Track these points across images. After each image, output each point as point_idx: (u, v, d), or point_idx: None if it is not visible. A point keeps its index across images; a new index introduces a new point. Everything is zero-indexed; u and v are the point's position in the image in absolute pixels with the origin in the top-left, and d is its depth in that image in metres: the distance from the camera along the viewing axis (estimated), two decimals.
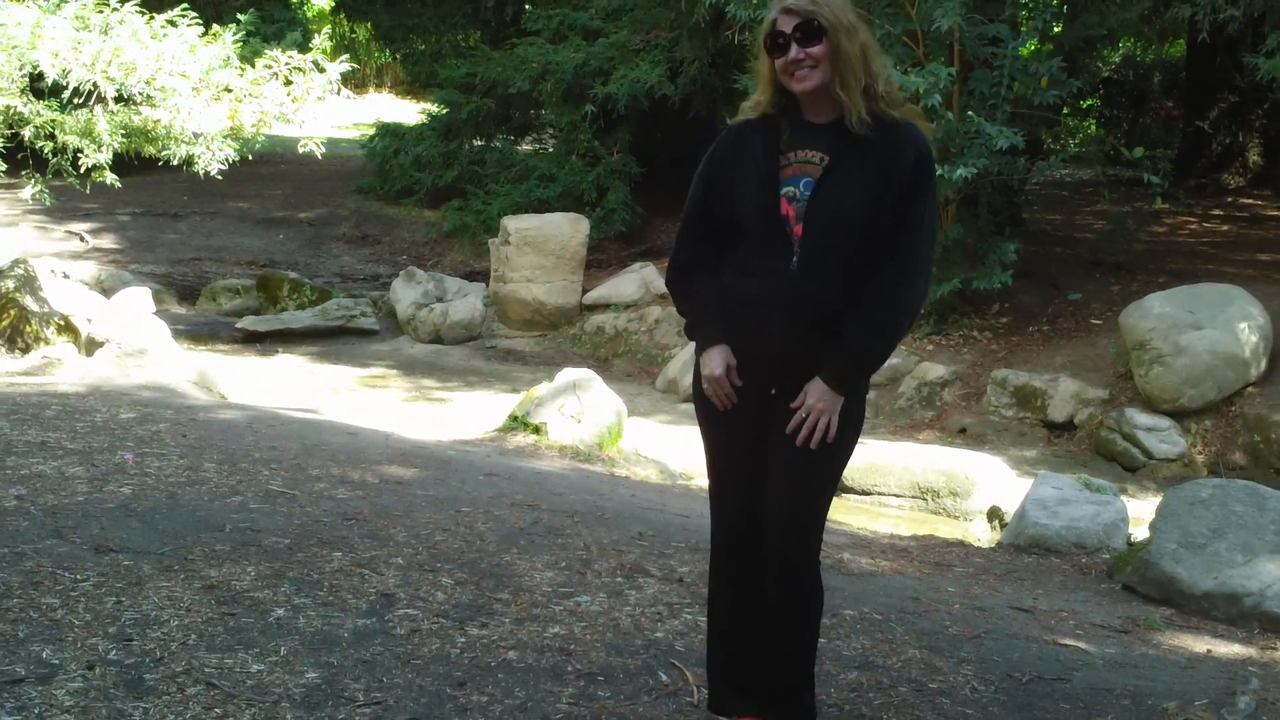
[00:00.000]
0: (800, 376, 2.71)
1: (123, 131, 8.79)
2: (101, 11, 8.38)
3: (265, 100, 8.92)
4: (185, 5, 8.68)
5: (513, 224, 11.82)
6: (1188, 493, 5.13)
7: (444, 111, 15.76)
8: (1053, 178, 15.09)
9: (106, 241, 14.64)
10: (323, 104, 9.38)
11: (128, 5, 8.46)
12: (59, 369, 7.48)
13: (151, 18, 8.51)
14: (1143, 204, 11.77)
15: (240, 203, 16.34)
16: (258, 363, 10.37)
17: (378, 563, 3.93)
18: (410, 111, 20.95)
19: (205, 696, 2.84)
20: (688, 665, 3.32)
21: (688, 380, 8.62)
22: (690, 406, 3.10)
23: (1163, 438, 7.96)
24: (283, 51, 9.11)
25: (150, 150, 9.15)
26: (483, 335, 11.77)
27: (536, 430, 7.17)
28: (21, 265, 8.34)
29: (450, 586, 3.79)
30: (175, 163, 9.09)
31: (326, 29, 25.73)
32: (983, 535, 6.37)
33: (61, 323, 8.19)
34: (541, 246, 11.64)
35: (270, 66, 8.94)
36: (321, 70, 9.02)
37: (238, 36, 8.97)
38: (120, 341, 7.77)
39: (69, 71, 8.00)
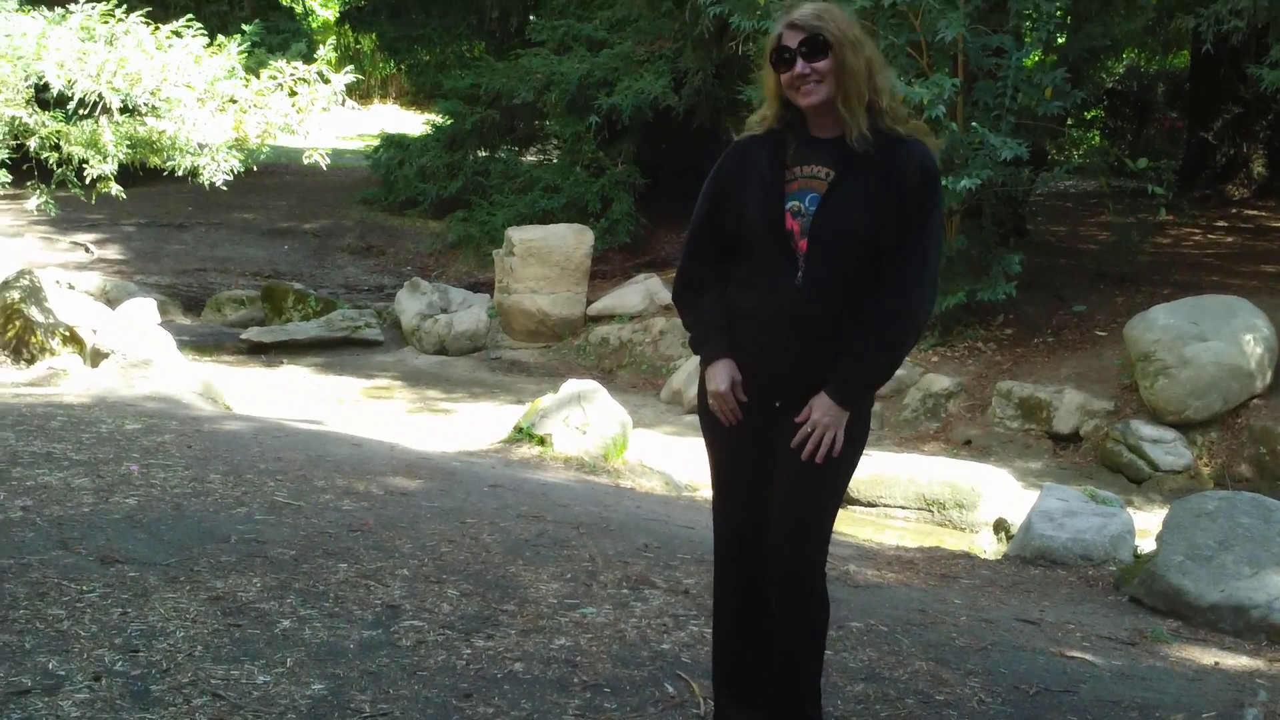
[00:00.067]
0: (805, 391, 2.71)
1: (128, 142, 8.82)
2: (107, 22, 8.42)
3: (270, 111, 8.95)
4: (190, 16, 8.72)
5: (517, 235, 11.83)
6: (1194, 505, 5.13)
7: (448, 122, 15.76)
8: (1057, 189, 15.09)
9: (111, 252, 14.65)
10: (327, 115, 9.40)
11: (133, 16, 8.49)
12: (64, 380, 7.49)
13: (156, 28, 8.55)
14: (1147, 215, 11.76)
15: (245, 214, 16.36)
16: (262, 374, 10.37)
17: (383, 574, 3.93)
18: (415, 122, 20.96)
19: (211, 708, 2.84)
20: (693, 677, 3.32)
21: (692, 392, 8.59)
22: (695, 418, 3.11)
23: (1168, 450, 7.94)
24: (288, 62, 9.14)
25: (155, 161, 9.19)
26: (487, 346, 11.77)
27: (541, 441, 7.17)
28: (27, 276, 8.35)
29: (456, 598, 3.78)
30: (180, 173, 9.11)
31: (331, 40, 25.90)
32: (989, 547, 6.36)
33: (67, 334, 8.21)
34: (546, 257, 11.64)
35: (275, 77, 8.97)
36: (326, 81, 9.05)
37: (243, 47, 9.01)
38: (125, 352, 7.77)
39: (74, 82, 8.04)
